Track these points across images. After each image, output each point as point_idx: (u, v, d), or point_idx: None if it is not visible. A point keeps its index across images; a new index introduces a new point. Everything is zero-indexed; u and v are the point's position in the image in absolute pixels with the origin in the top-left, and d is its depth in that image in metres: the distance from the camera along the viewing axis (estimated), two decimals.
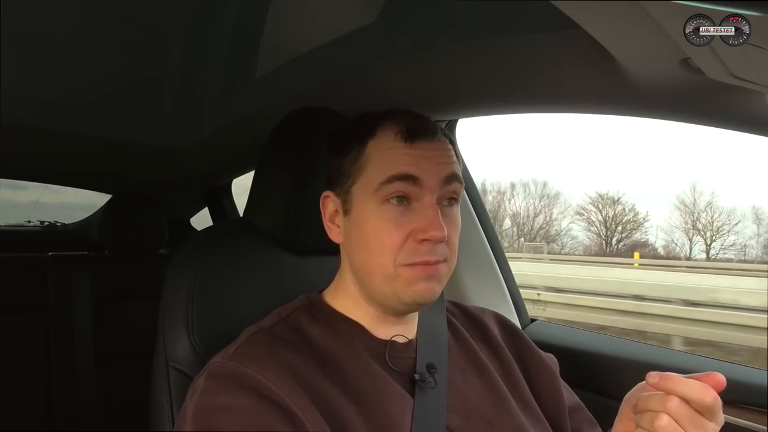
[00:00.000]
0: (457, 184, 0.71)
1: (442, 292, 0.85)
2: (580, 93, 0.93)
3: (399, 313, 0.74)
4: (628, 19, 0.60)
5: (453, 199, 0.72)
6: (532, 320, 1.38)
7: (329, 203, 0.75)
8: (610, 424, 0.70)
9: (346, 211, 0.73)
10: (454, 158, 0.72)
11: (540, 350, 0.87)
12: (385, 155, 0.70)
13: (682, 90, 0.75)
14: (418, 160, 0.69)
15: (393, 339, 0.74)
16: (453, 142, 0.75)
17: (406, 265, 0.68)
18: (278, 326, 0.72)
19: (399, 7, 0.97)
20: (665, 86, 0.75)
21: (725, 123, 0.85)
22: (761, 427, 0.92)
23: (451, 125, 1.34)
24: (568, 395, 0.86)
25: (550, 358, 0.88)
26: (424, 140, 0.70)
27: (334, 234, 0.75)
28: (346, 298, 0.75)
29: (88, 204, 2.22)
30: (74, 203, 2.33)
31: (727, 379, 0.98)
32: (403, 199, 0.69)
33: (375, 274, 0.70)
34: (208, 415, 0.62)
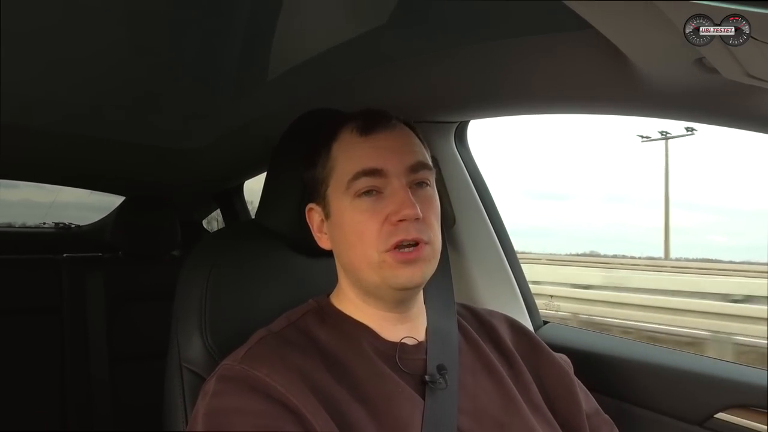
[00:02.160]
0: (425, 171, 0.72)
1: (453, 293, 0.85)
2: (593, 94, 0.92)
3: (395, 302, 0.74)
4: (642, 19, 0.59)
5: (424, 183, 0.73)
6: (545, 322, 1.37)
7: (314, 215, 0.77)
8: (627, 428, 0.69)
9: (327, 216, 0.75)
10: (419, 146, 0.74)
11: (552, 351, 0.86)
12: (348, 153, 0.72)
13: (697, 90, 0.74)
14: (380, 152, 0.71)
15: (403, 341, 0.74)
16: (415, 130, 0.76)
17: (388, 251, 0.69)
18: (287, 330, 0.72)
19: (410, 8, 0.96)
20: (680, 86, 0.75)
21: (741, 123, 0.84)
22: (761, 426, 0.90)
23: (463, 127, 1.33)
24: (586, 398, 0.85)
25: (563, 359, 0.87)
26: (381, 130, 0.72)
27: (324, 242, 0.77)
28: (348, 302, 0.76)
29: (101, 204, 2.24)
30: (87, 203, 2.36)
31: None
32: (373, 192, 0.70)
33: (362, 267, 0.71)
34: (219, 417, 0.63)
